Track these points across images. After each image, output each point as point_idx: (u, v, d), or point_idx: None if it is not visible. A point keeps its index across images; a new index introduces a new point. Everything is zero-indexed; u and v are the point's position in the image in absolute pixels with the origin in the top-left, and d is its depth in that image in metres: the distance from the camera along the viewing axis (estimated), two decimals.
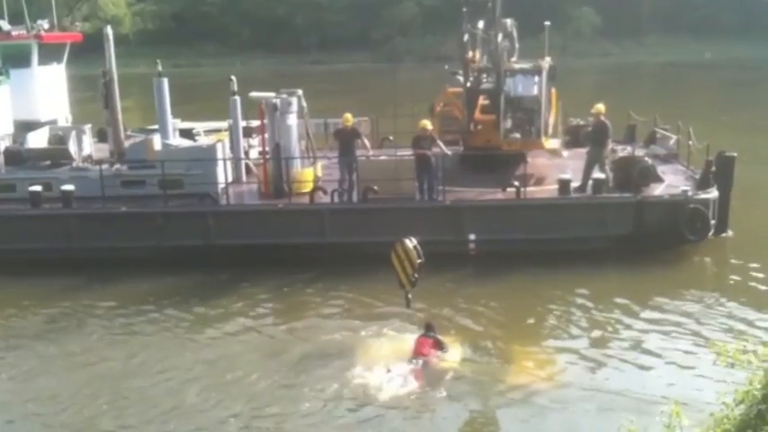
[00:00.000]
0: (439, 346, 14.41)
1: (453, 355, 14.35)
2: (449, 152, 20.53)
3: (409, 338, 14.67)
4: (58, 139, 23.19)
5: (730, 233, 20.46)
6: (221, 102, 24.15)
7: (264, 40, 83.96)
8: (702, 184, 19.94)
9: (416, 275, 14.46)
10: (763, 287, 17.60)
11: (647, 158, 20.95)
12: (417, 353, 14.21)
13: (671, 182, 20.62)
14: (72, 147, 22.45)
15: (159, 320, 16.75)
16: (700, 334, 15.25)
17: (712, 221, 19.30)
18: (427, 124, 20.02)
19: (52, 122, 24.43)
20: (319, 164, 21.43)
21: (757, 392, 7.15)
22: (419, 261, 14.37)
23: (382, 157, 20.88)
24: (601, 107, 20.26)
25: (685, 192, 19.34)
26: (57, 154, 22.32)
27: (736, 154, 20.36)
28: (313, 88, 32.72)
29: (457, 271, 18.65)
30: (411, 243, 14.40)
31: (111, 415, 12.86)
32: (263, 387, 13.50)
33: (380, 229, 18.09)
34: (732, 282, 18.23)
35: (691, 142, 21.51)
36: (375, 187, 19.38)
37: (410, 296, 14.82)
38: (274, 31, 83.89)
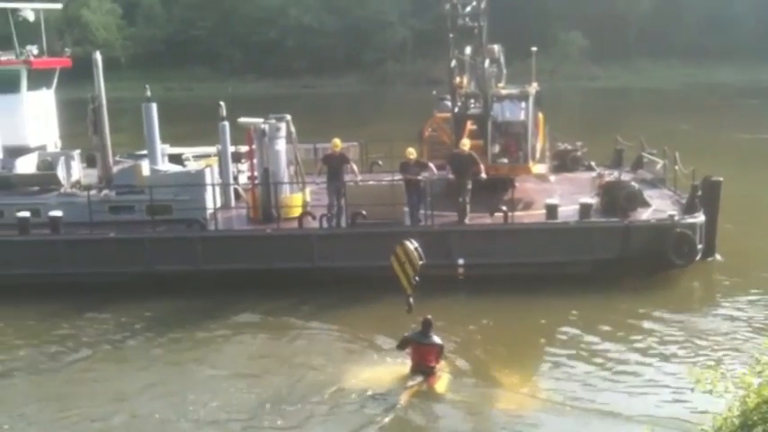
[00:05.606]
0: (441, 351, 14.34)
1: (442, 379, 14.29)
2: (435, 170, 20.46)
3: (400, 364, 14.61)
4: (47, 165, 23.16)
5: (718, 257, 20.57)
6: (211, 126, 24.20)
7: (255, 63, 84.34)
8: (689, 209, 20.07)
9: (417, 278, 14.81)
10: (749, 312, 17.65)
11: (633, 183, 21.09)
12: (423, 363, 14.00)
13: (658, 206, 20.74)
14: (60, 172, 22.45)
15: (147, 346, 16.71)
16: (684, 358, 15.27)
17: (699, 246, 19.38)
18: (411, 152, 20.19)
19: (41, 148, 24.40)
20: (308, 189, 21.47)
21: (735, 420, 7.20)
22: (420, 263, 14.68)
23: (371, 182, 20.93)
24: (466, 141, 20.40)
25: (672, 216, 19.45)
26: (45, 180, 22.30)
27: (722, 178, 20.51)
28: (304, 112, 32.77)
29: (445, 295, 18.62)
30: (412, 245, 14.76)
31: None
32: (251, 413, 13.43)
33: (369, 253, 18.12)
34: (718, 306, 18.28)
35: (677, 167, 21.65)
36: (364, 212, 19.45)
37: (411, 300, 15.01)
38: (265, 55, 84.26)
